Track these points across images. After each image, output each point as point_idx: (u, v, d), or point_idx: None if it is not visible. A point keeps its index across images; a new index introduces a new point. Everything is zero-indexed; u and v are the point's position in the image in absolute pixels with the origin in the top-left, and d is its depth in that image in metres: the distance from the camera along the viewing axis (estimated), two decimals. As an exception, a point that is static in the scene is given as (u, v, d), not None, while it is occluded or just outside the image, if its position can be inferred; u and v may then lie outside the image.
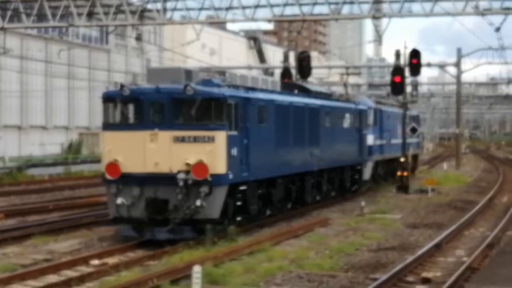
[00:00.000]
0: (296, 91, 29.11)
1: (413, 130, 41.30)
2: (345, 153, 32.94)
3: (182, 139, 20.49)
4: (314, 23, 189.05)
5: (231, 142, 21.04)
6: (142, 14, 37.78)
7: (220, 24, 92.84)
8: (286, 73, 44.57)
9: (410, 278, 16.45)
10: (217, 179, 20.44)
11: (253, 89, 23.55)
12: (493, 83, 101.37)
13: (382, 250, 19.99)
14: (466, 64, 66.31)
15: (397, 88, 38.64)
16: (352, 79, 68.04)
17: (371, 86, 67.65)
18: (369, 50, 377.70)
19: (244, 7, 36.23)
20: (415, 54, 38.51)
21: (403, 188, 37.52)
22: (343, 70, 63.76)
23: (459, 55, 60.27)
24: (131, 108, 21.28)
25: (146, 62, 69.68)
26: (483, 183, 44.77)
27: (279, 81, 28.59)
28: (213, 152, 20.40)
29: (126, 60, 74.45)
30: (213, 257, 17.50)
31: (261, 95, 23.73)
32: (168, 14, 37.47)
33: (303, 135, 27.57)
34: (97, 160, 58.36)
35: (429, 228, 24.50)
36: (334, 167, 31.39)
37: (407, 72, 39.05)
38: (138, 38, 46.26)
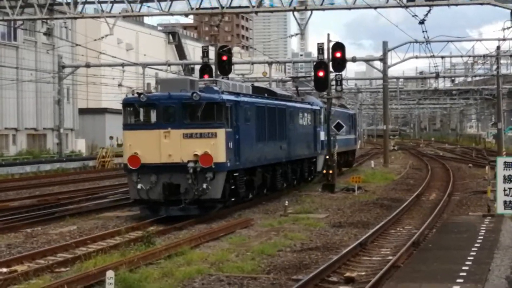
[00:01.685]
0: (266, 95, 33.97)
1: (338, 126, 41.75)
2: (305, 147, 39.11)
3: (190, 135, 26.06)
4: (236, 17, 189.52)
5: (228, 137, 26.87)
6: (51, 7, 37.44)
7: (137, 19, 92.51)
8: (205, 69, 44.50)
9: (334, 278, 16.73)
10: (219, 167, 26.23)
11: (238, 94, 29.15)
12: (421, 77, 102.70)
13: (306, 251, 20.25)
14: (393, 58, 67.39)
15: (321, 83, 38.83)
16: (277, 75, 68.47)
17: (295, 81, 68.05)
18: (294, 44, 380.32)
19: (159, 0, 36.26)
20: (338, 47, 38.83)
21: (329, 186, 37.52)
22: (266, 66, 64.31)
23: (385, 48, 61.10)
24: (147, 111, 26.73)
25: (58, 59, 68.76)
26: (411, 181, 45.49)
27: (250, 86, 33.85)
28: (216, 145, 26.09)
29: (36, 56, 73.43)
30: (128, 261, 17.50)
31: (245, 99, 29.46)
32: (80, 8, 37.17)
33: (275, 131, 33.13)
34: (5, 164, 57.62)
35: (354, 227, 24.86)
36: (297, 159, 37.34)
37: (331, 67, 39.21)
38: (48, 33, 45.79)
